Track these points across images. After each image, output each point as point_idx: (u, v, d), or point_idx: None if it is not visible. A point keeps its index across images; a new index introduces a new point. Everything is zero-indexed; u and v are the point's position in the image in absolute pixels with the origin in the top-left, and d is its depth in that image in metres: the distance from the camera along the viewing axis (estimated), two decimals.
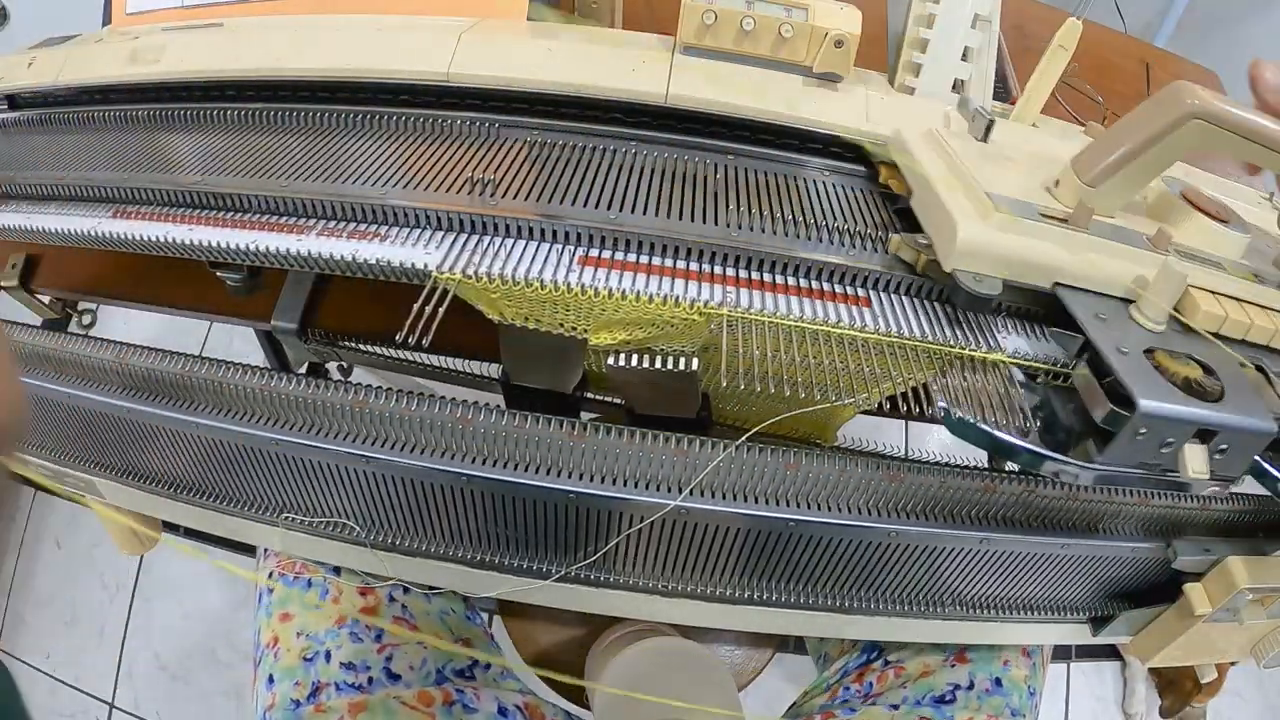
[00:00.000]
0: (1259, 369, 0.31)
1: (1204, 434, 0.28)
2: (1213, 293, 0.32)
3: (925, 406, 0.32)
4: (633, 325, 0.34)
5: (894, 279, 0.35)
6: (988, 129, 0.37)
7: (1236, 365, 0.30)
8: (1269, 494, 0.31)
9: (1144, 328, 0.31)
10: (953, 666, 0.48)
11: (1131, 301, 0.32)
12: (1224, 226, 0.36)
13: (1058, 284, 0.32)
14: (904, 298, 0.36)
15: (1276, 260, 0.37)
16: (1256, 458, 0.30)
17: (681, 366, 0.35)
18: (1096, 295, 0.32)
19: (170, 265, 0.40)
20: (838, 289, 0.35)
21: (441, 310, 0.31)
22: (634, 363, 0.35)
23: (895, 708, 0.47)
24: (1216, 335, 0.31)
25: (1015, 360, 0.33)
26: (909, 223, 0.36)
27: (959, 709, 0.46)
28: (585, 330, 0.34)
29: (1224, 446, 0.28)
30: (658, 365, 0.35)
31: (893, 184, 0.39)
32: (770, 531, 0.36)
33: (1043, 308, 0.34)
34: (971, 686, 0.47)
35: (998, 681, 0.47)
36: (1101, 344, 0.29)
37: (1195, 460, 0.28)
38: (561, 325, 0.34)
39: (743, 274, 0.35)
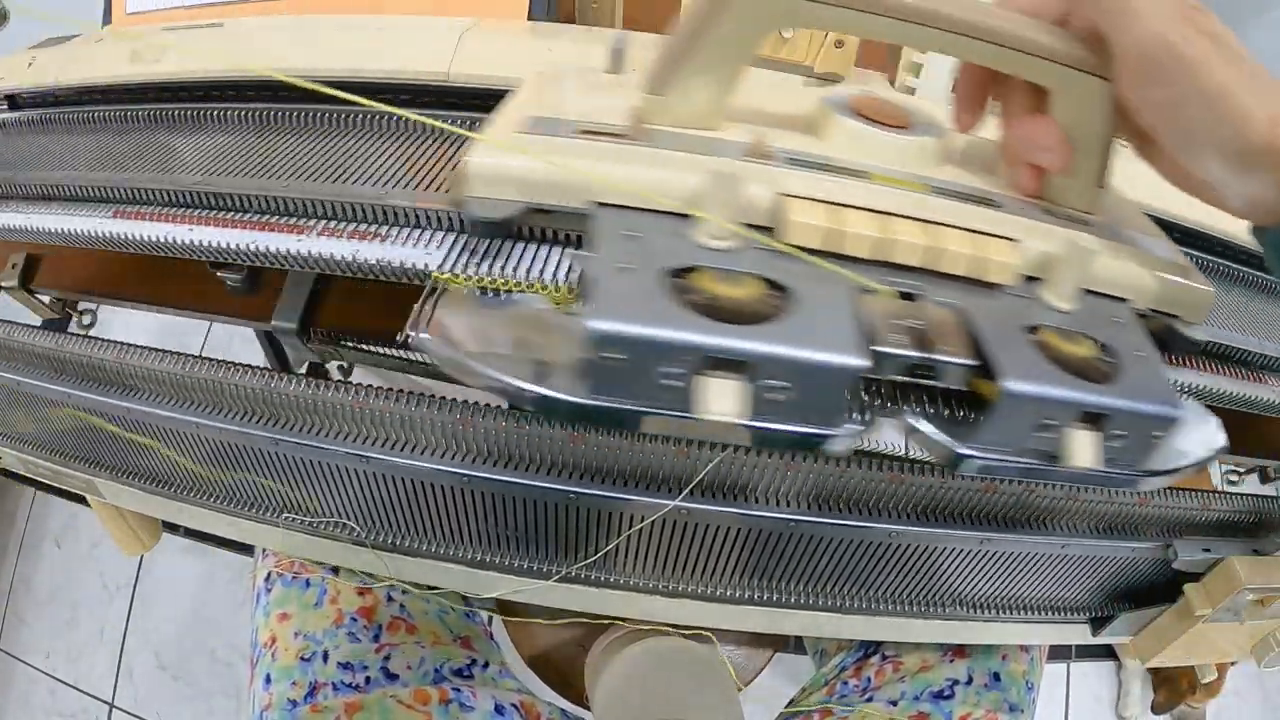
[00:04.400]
0: (906, 296, 0.26)
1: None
2: (830, 203, 0.26)
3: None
4: None
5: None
6: (616, 57, 0.34)
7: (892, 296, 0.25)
8: (1269, 494, 0.30)
9: (705, 246, 0.25)
10: (951, 662, 0.48)
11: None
12: (890, 132, 0.30)
13: (601, 204, 0.27)
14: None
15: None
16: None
17: None
18: (645, 213, 0.26)
19: (170, 265, 0.40)
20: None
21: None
22: None
23: (893, 703, 0.47)
24: (841, 256, 0.26)
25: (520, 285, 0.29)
26: None
27: (957, 704, 0.46)
28: None
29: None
30: None
31: None
32: (770, 531, 0.36)
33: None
34: (970, 681, 0.47)
35: (996, 676, 0.47)
36: (589, 266, 0.24)
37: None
38: None
39: None
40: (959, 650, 0.48)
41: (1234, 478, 0.58)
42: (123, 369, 0.39)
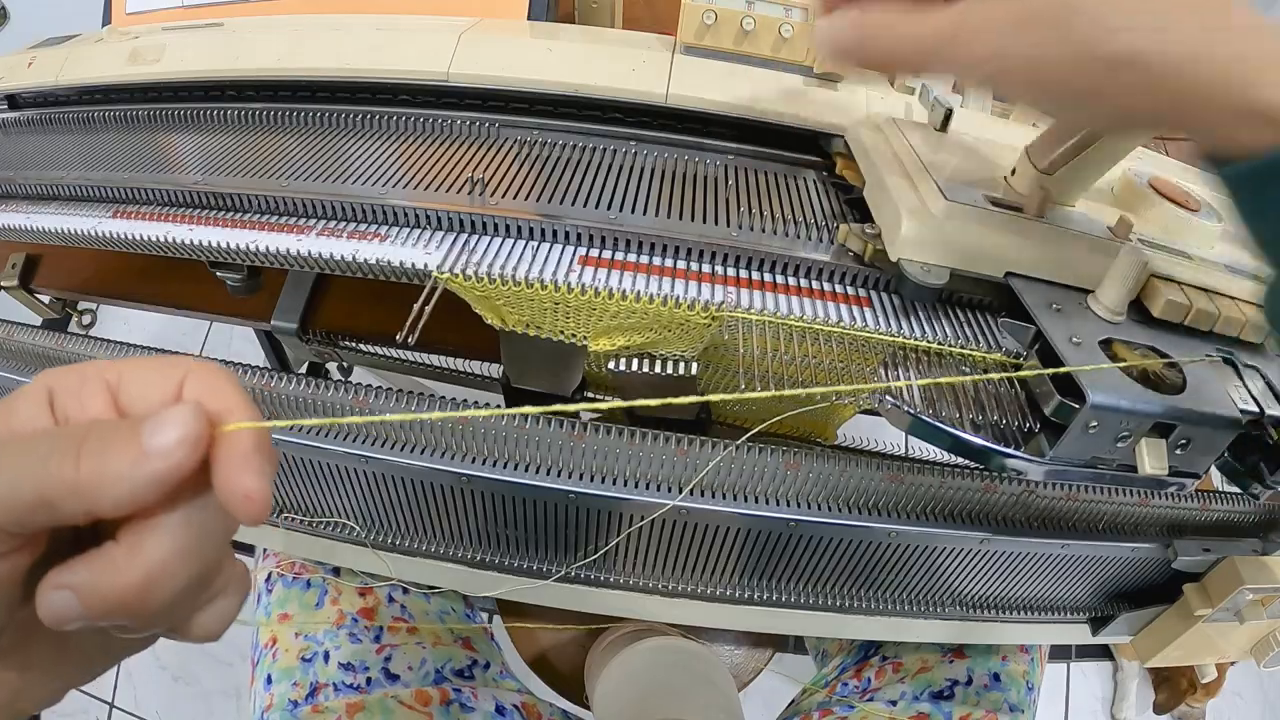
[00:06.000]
0: (1228, 361, 0.30)
1: (1164, 428, 0.27)
2: (1177, 282, 0.31)
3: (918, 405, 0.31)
4: (631, 330, 0.34)
5: (840, 270, 0.35)
6: (946, 118, 0.37)
7: (1202, 357, 0.29)
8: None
9: (1101, 318, 0.30)
10: (951, 662, 0.48)
11: (1090, 292, 0.31)
12: (1193, 215, 0.35)
13: (1010, 274, 0.31)
14: (865, 290, 0.35)
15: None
16: (1226, 455, 0.29)
17: (682, 371, 0.35)
18: (1051, 285, 0.31)
19: (170, 265, 0.40)
20: (837, 289, 0.35)
21: (428, 309, 0.31)
22: (635, 367, 0.35)
23: (893, 703, 0.47)
24: (1183, 327, 0.30)
25: (963, 350, 0.32)
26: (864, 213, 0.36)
27: (957, 704, 0.46)
28: (585, 337, 0.34)
29: (1185, 440, 0.27)
30: (658, 370, 0.35)
31: (847, 174, 0.39)
32: (770, 531, 0.36)
33: (999, 299, 0.34)
34: (970, 682, 0.47)
35: (996, 677, 0.47)
36: (1052, 334, 0.28)
37: (1152, 455, 0.27)
38: (562, 333, 0.34)
39: (743, 274, 0.35)
40: (959, 651, 0.48)
41: None
42: None
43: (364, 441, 0.36)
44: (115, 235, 0.38)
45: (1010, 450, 0.28)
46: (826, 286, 0.35)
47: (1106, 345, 0.28)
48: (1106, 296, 0.30)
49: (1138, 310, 0.31)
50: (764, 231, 0.35)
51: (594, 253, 0.35)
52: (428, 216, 0.35)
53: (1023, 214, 0.32)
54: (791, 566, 0.39)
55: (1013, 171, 0.34)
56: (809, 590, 0.41)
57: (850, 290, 0.35)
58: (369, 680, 0.43)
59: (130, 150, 0.42)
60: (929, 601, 0.42)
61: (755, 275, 0.35)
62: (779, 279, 0.35)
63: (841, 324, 0.32)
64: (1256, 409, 0.28)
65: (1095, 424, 0.26)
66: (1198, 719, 1.08)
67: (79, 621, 0.17)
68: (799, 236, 0.35)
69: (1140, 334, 0.30)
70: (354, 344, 0.52)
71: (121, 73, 0.45)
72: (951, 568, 0.40)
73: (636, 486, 0.36)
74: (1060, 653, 1.13)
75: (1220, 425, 0.27)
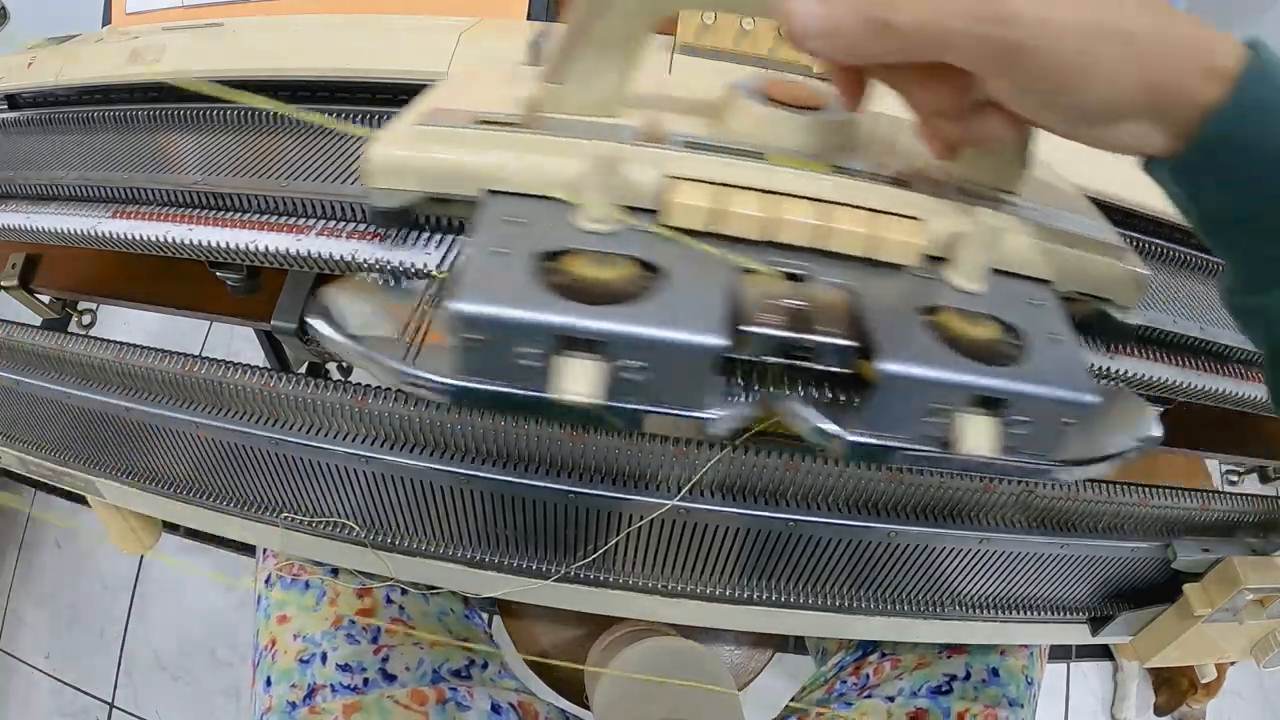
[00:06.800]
0: (793, 277, 0.25)
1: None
2: (717, 184, 0.26)
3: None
4: None
5: None
6: (534, 50, 0.35)
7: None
8: (1269, 494, 0.30)
9: (583, 230, 0.25)
10: (949, 658, 0.48)
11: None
12: (798, 114, 0.29)
13: (491, 191, 0.27)
14: None
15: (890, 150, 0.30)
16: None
17: None
18: (532, 199, 0.26)
19: (170, 265, 0.40)
20: None
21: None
22: None
23: (891, 699, 0.47)
24: (729, 238, 0.25)
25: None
26: None
27: (955, 699, 0.46)
28: None
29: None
30: None
31: None
32: (770, 531, 0.36)
33: None
34: (968, 677, 0.47)
35: (994, 671, 0.47)
36: (471, 250, 0.24)
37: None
38: None
39: None
40: (958, 647, 0.48)
41: (1234, 477, 0.58)
42: (123, 369, 0.39)
43: (364, 441, 0.36)
44: (115, 235, 0.38)
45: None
46: None
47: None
48: (589, 204, 0.25)
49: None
50: None
51: None
52: (428, 216, 0.35)
53: (515, 128, 0.28)
54: (791, 566, 0.39)
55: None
56: (809, 590, 0.41)
57: None
58: (366, 681, 0.43)
59: (130, 150, 0.42)
60: (928, 601, 0.42)
61: None
62: None
63: None
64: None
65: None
66: (1198, 719, 1.08)
67: None
68: None
69: (618, 245, 0.24)
70: None
71: (122, 73, 0.45)
72: (951, 568, 0.40)
73: (636, 486, 0.36)
74: (1060, 653, 1.12)
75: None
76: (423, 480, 0.37)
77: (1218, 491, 0.42)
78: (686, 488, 0.35)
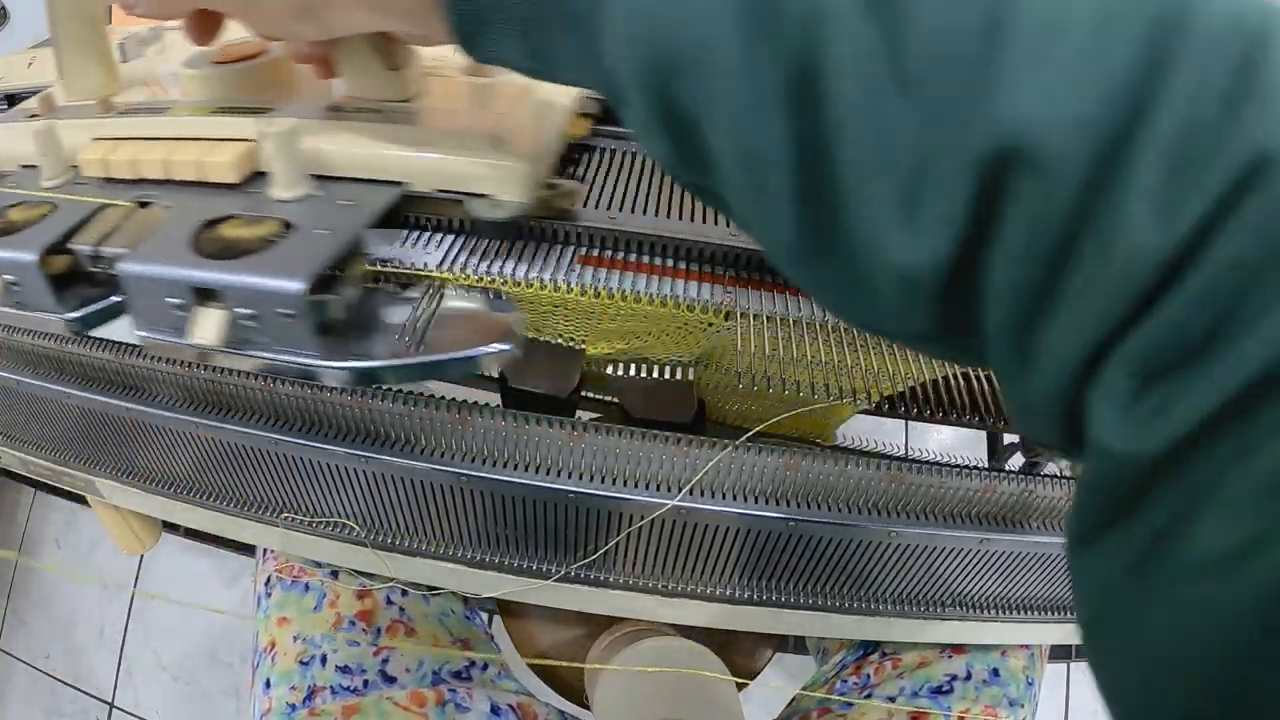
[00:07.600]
0: (144, 205, 0.30)
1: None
2: (114, 139, 0.32)
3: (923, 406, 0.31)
4: (630, 335, 0.34)
5: None
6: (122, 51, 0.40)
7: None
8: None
9: (43, 186, 0.31)
10: (950, 658, 0.48)
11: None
12: (226, 68, 0.35)
13: None
14: None
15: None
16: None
17: (679, 376, 0.35)
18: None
19: None
20: None
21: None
22: (633, 373, 0.35)
23: (892, 699, 0.47)
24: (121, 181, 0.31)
25: None
26: None
27: (956, 700, 0.46)
28: (584, 340, 0.34)
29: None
30: (655, 375, 0.36)
31: None
32: (770, 531, 0.36)
33: None
34: (969, 677, 0.47)
35: (995, 672, 0.47)
36: None
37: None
38: (561, 335, 0.34)
39: (743, 274, 0.35)
40: (958, 646, 0.48)
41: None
42: (123, 369, 0.39)
43: (364, 441, 0.36)
44: None
45: None
46: None
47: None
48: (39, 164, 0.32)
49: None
50: None
51: (594, 252, 0.35)
52: (428, 216, 0.35)
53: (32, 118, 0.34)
54: (791, 566, 0.39)
55: None
56: (809, 590, 0.41)
57: None
58: (366, 683, 0.43)
59: None
60: (928, 601, 0.42)
61: (755, 275, 0.35)
62: (779, 278, 0.35)
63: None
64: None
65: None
66: None
67: None
68: None
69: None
70: None
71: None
72: (951, 567, 0.40)
73: (636, 486, 0.36)
74: (1060, 652, 1.12)
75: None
76: (423, 480, 0.37)
77: None
78: (687, 488, 0.35)
